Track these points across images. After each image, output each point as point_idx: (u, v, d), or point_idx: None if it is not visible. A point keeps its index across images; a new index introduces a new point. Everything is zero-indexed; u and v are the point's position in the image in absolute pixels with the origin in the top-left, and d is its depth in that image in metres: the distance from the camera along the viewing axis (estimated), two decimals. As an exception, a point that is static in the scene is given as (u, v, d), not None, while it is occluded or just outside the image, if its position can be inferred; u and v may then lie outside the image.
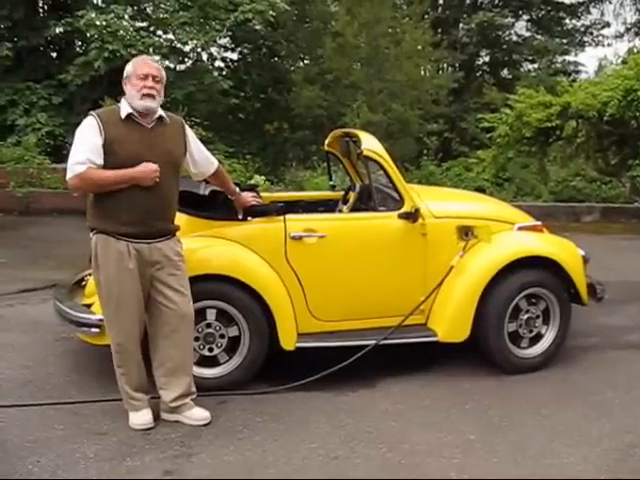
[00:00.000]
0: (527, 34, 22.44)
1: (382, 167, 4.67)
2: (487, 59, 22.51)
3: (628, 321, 6.17)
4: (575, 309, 5.04)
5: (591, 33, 22.84)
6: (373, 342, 4.50)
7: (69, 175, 3.63)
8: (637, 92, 11.07)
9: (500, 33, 21.28)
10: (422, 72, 17.52)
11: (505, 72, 22.37)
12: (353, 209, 5.18)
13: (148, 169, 3.65)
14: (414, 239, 4.67)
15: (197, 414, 3.98)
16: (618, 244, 10.27)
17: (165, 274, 3.81)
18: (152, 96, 3.75)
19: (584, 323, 5.78)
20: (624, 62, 13.16)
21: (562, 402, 4.34)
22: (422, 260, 4.68)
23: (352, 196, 5.41)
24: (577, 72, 22.25)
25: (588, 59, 40.37)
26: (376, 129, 12.89)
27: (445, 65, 20.06)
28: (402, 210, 4.65)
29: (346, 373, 4.46)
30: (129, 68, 3.79)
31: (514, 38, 22.08)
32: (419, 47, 16.46)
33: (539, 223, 5.27)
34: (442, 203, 5.01)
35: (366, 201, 5.09)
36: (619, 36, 21.50)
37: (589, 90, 11.90)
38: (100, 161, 3.60)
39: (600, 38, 22.88)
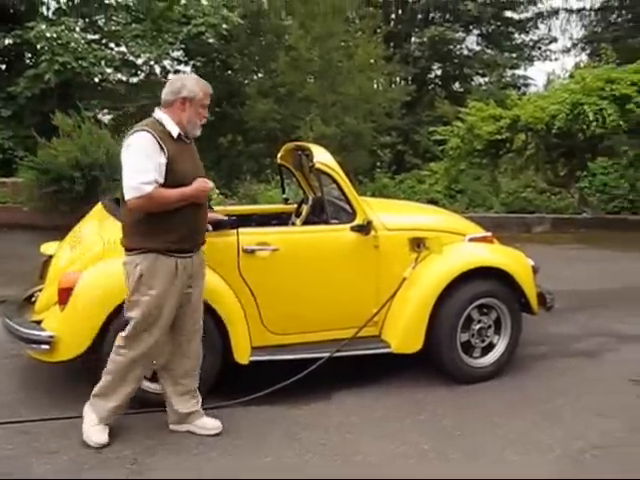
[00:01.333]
0: (477, 48, 22.79)
1: (334, 180, 4.70)
2: (439, 72, 22.78)
3: (577, 329, 6.30)
4: (526, 318, 5.13)
5: (539, 48, 23.29)
6: (327, 355, 4.51)
7: (135, 194, 3.54)
8: (583, 106, 11.29)
9: (451, 47, 21.57)
10: (375, 85, 17.63)
11: (456, 85, 22.66)
12: (306, 222, 5.19)
13: (206, 186, 3.75)
14: (367, 251, 4.69)
15: (209, 423, 4.01)
16: (567, 254, 10.47)
17: (195, 284, 3.89)
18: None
19: (534, 332, 5.87)
20: (571, 76, 13.45)
21: (514, 411, 4.41)
22: (375, 272, 4.71)
23: (305, 209, 5.42)
24: (526, 86, 22.66)
25: (537, 73, 41.18)
26: (330, 142, 12.94)
27: (398, 78, 20.25)
28: (354, 223, 4.68)
29: (300, 386, 4.45)
30: (195, 89, 3.79)
31: (465, 52, 22.39)
32: (372, 61, 16.57)
33: (489, 234, 5.35)
34: (394, 215, 5.06)
35: (319, 214, 5.11)
36: (566, 51, 22.00)
37: (538, 103, 12.10)
38: (162, 180, 3.60)
39: (548, 53, 23.35)
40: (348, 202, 4.72)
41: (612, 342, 5.92)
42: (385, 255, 4.71)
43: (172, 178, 3.63)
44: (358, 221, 4.68)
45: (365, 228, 4.66)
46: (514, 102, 13.00)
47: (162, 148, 3.61)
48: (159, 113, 3.82)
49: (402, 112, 17.75)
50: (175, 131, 3.74)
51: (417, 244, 4.80)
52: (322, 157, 4.76)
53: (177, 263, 3.72)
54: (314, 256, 4.63)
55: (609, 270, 9.07)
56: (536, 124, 11.75)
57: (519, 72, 23.14)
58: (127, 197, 3.59)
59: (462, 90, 21.76)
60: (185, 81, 3.84)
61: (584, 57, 20.45)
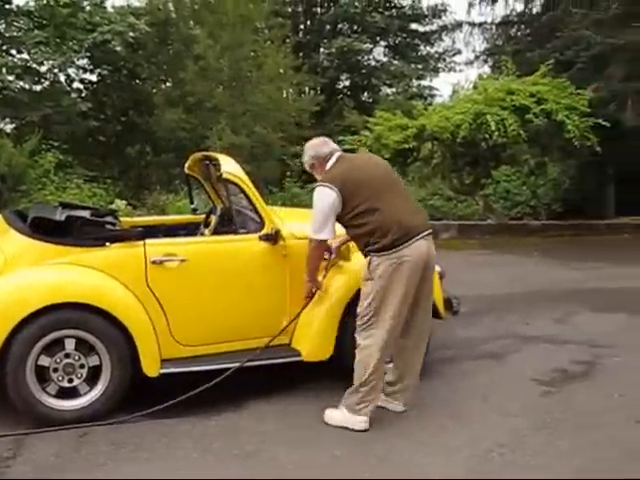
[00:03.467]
0: (385, 59, 23.22)
1: (241, 189, 4.69)
2: (347, 83, 23.08)
3: (484, 332, 6.49)
4: (434, 323, 5.22)
5: (444, 59, 23.89)
6: (236, 365, 4.47)
7: None
8: (486, 116, 11.67)
9: (359, 58, 21.89)
10: (284, 95, 17.71)
11: (365, 95, 23.00)
12: (214, 232, 5.17)
13: None
14: (276, 260, 4.71)
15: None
16: (474, 259, 10.78)
17: None
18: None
19: (443, 336, 6.01)
20: (474, 87, 13.86)
21: (420, 414, 4.48)
22: (285, 281, 4.72)
23: (213, 219, 5.39)
24: (432, 96, 23.17)
25: (442, 84, 42.13)
26: (240, 151, 12.91)
27: (307, 88, 20.36)
28: (263, 232, 4.69)
29: (212, 396, 4.41)
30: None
31: (372, 63, 22.76)
32: (281, 70, 16.65)
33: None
34: (303, 223, 5.08)
35: (227, 224, 5.10)
36: (469, 63, 22.52)
37: (443, 113, 12.42)
38: None
39: (452, 64, 23.96)
40: (256, 211, 4.72)
41: (516, 343, 6.12)
42: (294, 264, 4.71)
43: None
44: (266, 230, 4.69)
45: (273, 237, 4.68)
46: (420, 112, 13.31)
47: None
48: None
49: (311, 122, 17.88)
50: None
51: (325, 251, 4.81)
52: (229, 167, 4.75)
53: None
54: (223, 266, 4.61)
55: (513, 274, 9.40)
56: (442, 133, 12.06)
57: (425, 83, 23.73)
58: None
59: (370, 100, 22.11)
60: None
61: (486, 69, 21.02)
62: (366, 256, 4.23)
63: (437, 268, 5.28)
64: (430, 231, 4.30)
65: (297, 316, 4.69)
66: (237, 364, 4.47)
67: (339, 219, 4.28)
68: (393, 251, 4.11)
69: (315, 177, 4.50)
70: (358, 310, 4.25)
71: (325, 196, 4.19)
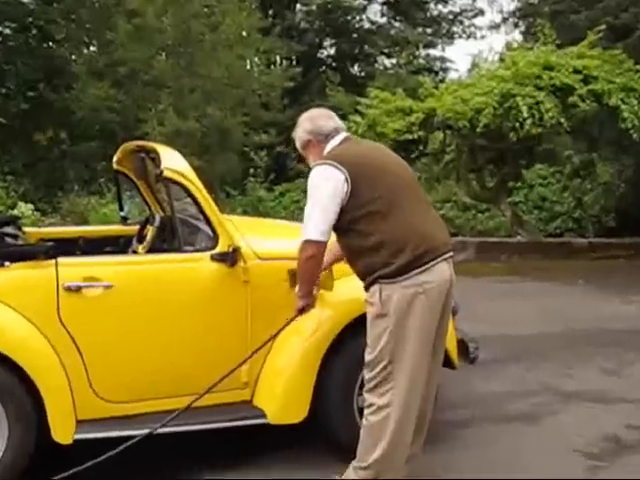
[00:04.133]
0: (382, 21, 23.37)
1: (189, 192, 4.68)
2: (332, 51, 23.19)
3: (510, 385, 6.51)
4: (444, 374, 5.23)
5: (461, 22, 24.10)
6: (173, 429, 4.45)
7: None
8: (516, 98, 11.72)
9: (348, 18, 22.01)
10: (248, 66, 17.77)
11: (355, 68, 23.12)
12: (151, 249, 5.16)
13: None
14: (232, 288, 4.71)
15: None
16: (497, 288, 10.81)
17: None
18: None
19: (456, 391, 6.03)
20: (501, 60, 13.96)
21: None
22: (244, 316, 4.71)
23: (150, 231, 5.39)
24: (445, 70, 23.39)
25: (458, 54, 42.35)
26: (187, 141, 12.92)
27: (278, 58, 20.45)
28: (216, 250, 4.68)
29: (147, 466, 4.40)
30: None
31: (366, 25, 22.89)
32: (244, 33, 16.71)
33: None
34: (270, 240, 5.10)
35: (168, 238, 5.10)
36: (494, 27, 22.80)
37: (459, 94, 12.45)
38: None
39: (472, 29, 24.18)
40: (208, 222, 4.71)
41: (553, 401, 6.14)
42: (258, 293, 4.72)
43: None
44: (221, 248, 4.68)
45: (230, 257, 4.66)
46: (429, 91, 13.35)
47: None
48: None
49: (283, 102, 17.93)
50: None
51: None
52: (173, 162, 4.74)
53: None
54: (161, 296, 4.59)
55: (549, 309, 9.44)
56: (457, 120, 12.10)
57: (435, 52, 23.92)
58: None
59: (362, 74, 22.22)
60: None
61: (517, 35, 21.27)
62: (370, 285, 4.11)
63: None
64: (452, 252, 4.27)
65: (252, 354, 4.66)
66: (174, 428, 4.44)
67: (337, 219, 4.11)
68: (410, 275, 4.01)
69: (308, 161, 4.46)
70: (367, 358, 4.15)
71: (328, 178, 4.04)
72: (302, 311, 4.43)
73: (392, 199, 4.07)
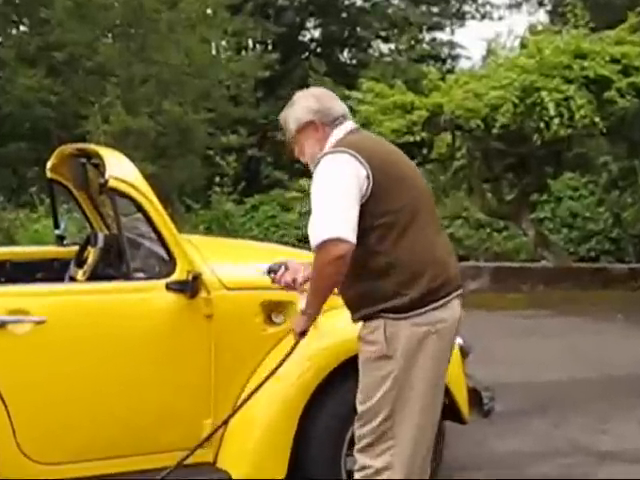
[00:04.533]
0: (378, -3, 23.48)
1: (140, 207, 4.63)
2: (317, 34, 23.28)
3: (533, 443, 6.46)
4: (452, 429, 5.20)
5: (474, 0, 24.25)
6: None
7: None
8: (540, 92, 11.74)
9: (337, -6, 22.16)
10: (213, 51, 17.82)
11: (345, 55, 23.21)
12: (93, 276, 5.14)
13: None
14: (192, 324, 4.66)
15: None
16: (517, 325, 10.81)
17: None
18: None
19: (467, 450, 5.99)
20: (523, 46, 13.99)
21: None
22: (206, 359, 4.66)
23: (92, 254, 5.37)
24: (454, 58, 23.50)
25: (471, 39, 42.42)
26: (138, 141, 12.91)
27: (250, 41, 20.51)
28: (173, 277, 4.64)
29: None
30: None
31: (358, 2, 22.97)
32: (208, 11, 16.77)
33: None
34: (239, 265, 5.05)
35: (115, 262, 5.07)
36: (515, 5, 23.00)
37: (471, 87, 12.48)
38: None
39: (488, 8, 24.33)
40: (163, 243, 4.65)
41: (586, 462, 6.10)
42: (223, 330, 4.67)
43: None
44: (179, 275, 4.63)
45: (190, 286, 4.61)
46: (434, 84, 13.41)
47: None
48: None
49: (257, 95, 17.97)
50: None
51: (274, 311, 4.81)
52: (120, 169, 4.70)
53: None
54: (105, 333, 4.53)
55: (580, 350, 9.43)
56: (468, 119, 12.13)
57: (443, 36, 24.01)
58: None
59: (353, 62, 22.32)
60: None
61: (542, 16, 21.43)
62: (369, 319, 3.96)
63: (458, 341, 5.28)
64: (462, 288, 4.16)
65: (226, 420, 4.64)
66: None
67: None
68: (424, 311, 3.87)
69: (302, 154, 4.22)
70: (360, 409, 4.01)
71: (349, 169, 3.81)
72: (303, 335, 4.10)
73: (414, 213, 3.91)
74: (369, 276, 3.86)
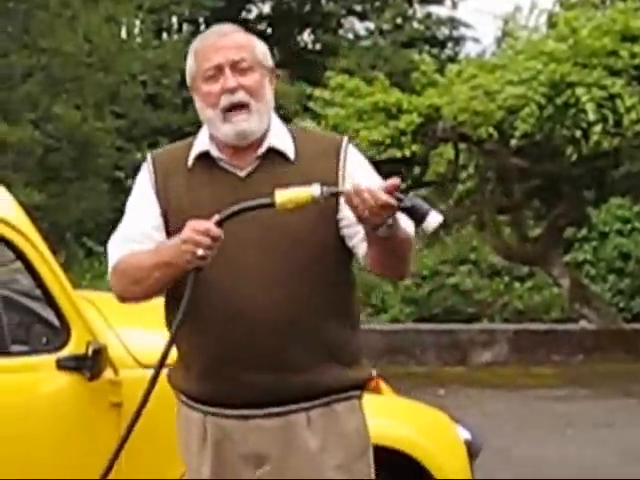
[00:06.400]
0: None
1: (20, 255, 4.68)
2: (266, 8, 23.44)
3: None
4: None
5: (484, -37, 24.57)
6: None
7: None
8: (575, 88, 11.82)
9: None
10: (123, 34, 17.94)
11: (305, 38, 23.35)
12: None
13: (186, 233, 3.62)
14: (93, 416, 4.71)
15: None
16: (547, 411, 10.82)
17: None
18: (241, 106, 3.92)
19: None
20: (551, 26, 14.14)
21: None
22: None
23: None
24: (457, 41, 23.66)
25: (478, 16, 42.35)
26: (18, 160, 12.95)
27: (175, 20, 20.65)
28: (66, 351, 4.68)
29: None
30: (190, 61, 4.04)
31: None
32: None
33: (372, 374, 5.46)
34: (157, 332, 5.09)
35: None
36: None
37: (480, 82, 12.57)
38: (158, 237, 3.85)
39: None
40: (52, 304, 4.70)
41: None
42: (137, 424, 4.69)
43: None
44: (74, 348, 4.68)
45: (90, 363, 4.64)
46: (429, 78, 13.49)
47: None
48: None
49: (183, 95, 18.06)
50: (195, 152, 4.13)
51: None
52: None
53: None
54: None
55: (633, 444, 9.44)
56: (477, 127, 12.20)
57: (441, 12, 24.18)
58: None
59: (317, 48, 22.43)
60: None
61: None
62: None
63: (463, 435, 5.36)
64: None
65: None
66: None
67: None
68: None
69: (256, 95, 4.08)
70: None
71: None
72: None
73: None
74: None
